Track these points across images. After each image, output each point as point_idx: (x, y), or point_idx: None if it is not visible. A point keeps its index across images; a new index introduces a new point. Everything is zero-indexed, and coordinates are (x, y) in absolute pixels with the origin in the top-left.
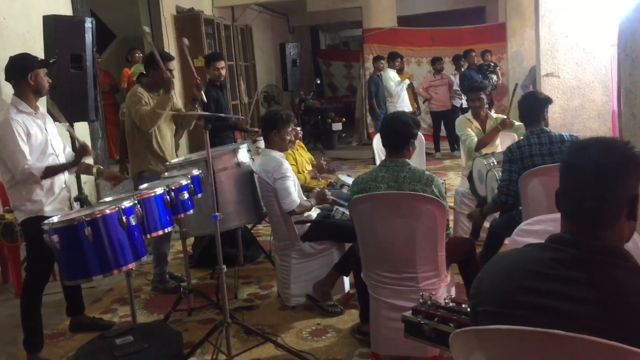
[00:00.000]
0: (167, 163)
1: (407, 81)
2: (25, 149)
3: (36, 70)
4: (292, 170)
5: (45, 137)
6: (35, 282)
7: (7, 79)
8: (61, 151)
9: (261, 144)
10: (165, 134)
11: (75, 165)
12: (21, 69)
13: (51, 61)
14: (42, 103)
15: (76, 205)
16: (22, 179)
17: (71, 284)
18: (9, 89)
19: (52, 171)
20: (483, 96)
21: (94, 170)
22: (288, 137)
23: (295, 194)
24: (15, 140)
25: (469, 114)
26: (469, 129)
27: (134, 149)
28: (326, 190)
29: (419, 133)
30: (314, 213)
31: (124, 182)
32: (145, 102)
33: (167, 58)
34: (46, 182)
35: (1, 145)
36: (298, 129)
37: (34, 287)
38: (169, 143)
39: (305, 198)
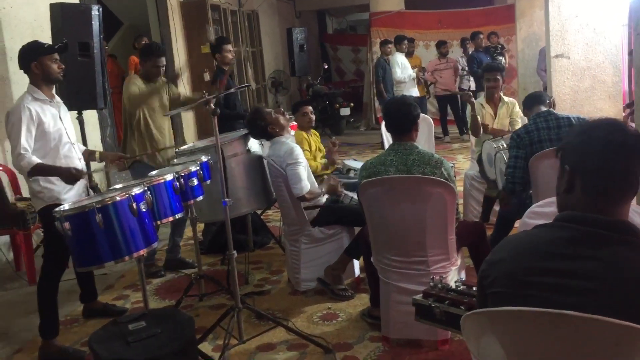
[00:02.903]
0: (177, 150)
1: (412, 74)
2: (28, 138)
3: (40, 58)
4: (305, 156)
5: (60, 126)
6: (52, 269)
7: (20, 68)
8: (75, 140)
9: None
10: (161, 125)
11: (65, 179)
12: (26, 58)
13: (56, 46)
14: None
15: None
16: (16, 166)
17: (83, 271)
18: (17, 78)
19: (41, 170)
20: (499, 77)
21: (97, 155)
22: (280, 117)
23: (306, 180)
24: (20, 127)
25: (481, 98)
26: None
27: (128, 139)
28: (336, 182)
29: (428, 116)
30: (323, 198)
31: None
32: (138, 87)
33: (157, 54)
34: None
35: (8, 129)
36: (312, 113)
37: (51, 275)
38: (165, 135)
39: (316, 184)
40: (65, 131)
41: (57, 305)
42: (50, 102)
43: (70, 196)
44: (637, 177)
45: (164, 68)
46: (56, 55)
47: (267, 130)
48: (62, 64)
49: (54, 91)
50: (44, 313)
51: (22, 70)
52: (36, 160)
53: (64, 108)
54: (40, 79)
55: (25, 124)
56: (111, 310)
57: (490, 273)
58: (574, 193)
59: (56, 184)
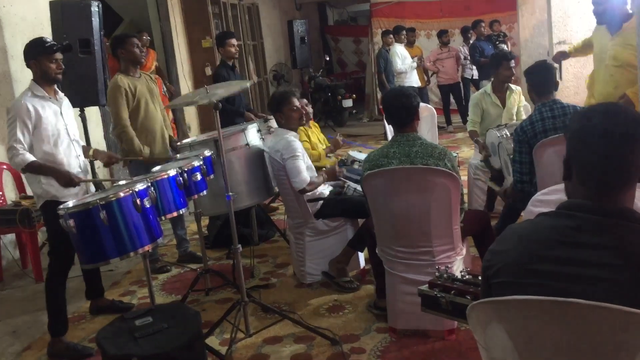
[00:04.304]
0: (178, 144)
1: (415, 64)
2: (24, 133)
3: (39, 58)
4: (305, 147)
5: (61, 122)
6: (58, 266)
7: (25, 61)
8: (77, 137)
9: (272, 123)
10: (154, 117)
11: (61, 182)
12: (27, 55)
13: (56, 47)
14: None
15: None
16: (10, 161)
17: (89, 267)
18: (19, 76)
19: (36, 168)
20: (513, 64)
21: (90, 152)
22: (294, 114)
23: (305, 172)
24: (16, 122)
25: (488, 88)
26: (476, 112)
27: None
28: (337, 167)
29: (431, 106)
30: (326, 190)
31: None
32: (126, 109)
33: (131, 36)
34: (62, 167)
35: (7, 124)
36: (307, 106)
37: (57, 272)
38: (159, 131)
39: (315, 174)
40: (65, 128)
41: (66, 302)
42: (51, 98)
43: (69, 193)
44: (634, 164)
45: (144, 48)
46: (57, 55)
47: (275, 117)
48: (63, 64)
49: (56, 87)
50: (52, 310)
51: (24, 68)
52: (31, 157)
53: (66, 105)
54: (38, 77)
55: (21, 119)
56: (118, 306)
57: (494, 263)
58: (572, 181)
59: (54, 185)
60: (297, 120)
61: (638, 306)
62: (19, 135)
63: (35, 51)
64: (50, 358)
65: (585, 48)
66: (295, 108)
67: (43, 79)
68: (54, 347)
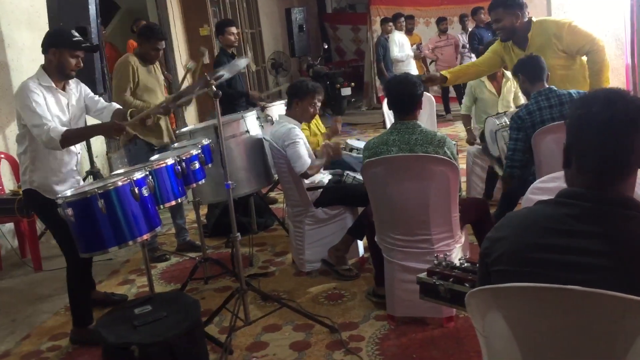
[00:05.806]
0: (178, 132)
1: (411, 53)
2: (44, 111)
3: (61, 49)
4: (305, 135)
5: (66, 116)
6: (72, 257)
7: (41, 46)
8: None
9: (270, 111)
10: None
11: (106, 134)
12: (48, 42)
13: (84, 45)
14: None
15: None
16: (46, 142)
17: (87, 256)
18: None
19: (74, 136)
20: None
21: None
22: (312, 109)
23: (306, 156)
24: (32, 105)
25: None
26: (469, 98)
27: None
28: (335, 145)
29: (430, 94)
30: (326, 179)
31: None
32: (129, 83)
33: (158, 37)
34: (54, 162)
35: (21, 114)
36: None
37: (73, 261)
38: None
39: (315, 157)
40: (69, 122)
41: (87, 294)
42: (57, 90)
43: (63, 189)
44: (634, 152)
45: (162, 52)
46: (80, 52)
47: (291, 102)
48: (82, 63)
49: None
50: (73, 303)
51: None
52: (62, 128)
53: (76, 97)
54: (53, 66)
55: (34, 100)
56: (111, 299)
57: (492, 250)
58: (572, 169)
59: (45, 172)
60: (309, 116)
61: (634, 294)
62: (40, 112)
63: (59, 41)
64: (72, 344)
65: (472, 70)
66: (314, 104)
67: (56, 71)
68: (77, 335)
